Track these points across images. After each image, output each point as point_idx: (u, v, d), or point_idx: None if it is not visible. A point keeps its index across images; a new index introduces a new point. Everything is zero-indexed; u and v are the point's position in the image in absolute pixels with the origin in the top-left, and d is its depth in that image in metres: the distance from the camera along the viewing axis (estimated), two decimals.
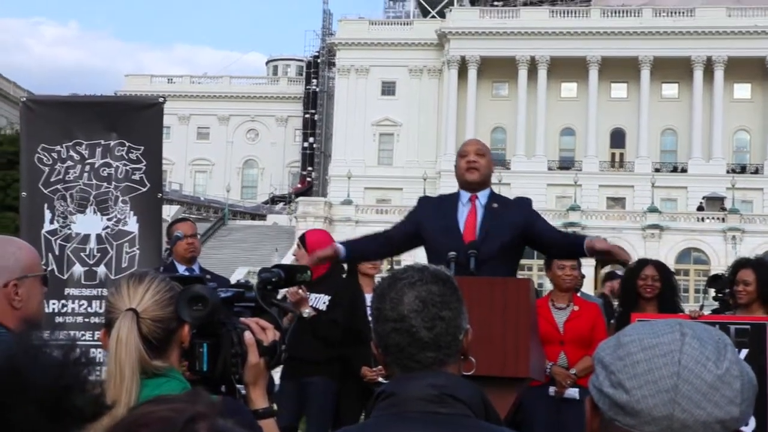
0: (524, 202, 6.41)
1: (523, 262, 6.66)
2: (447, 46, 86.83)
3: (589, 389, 1.72)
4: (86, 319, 7.00)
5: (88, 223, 7.12)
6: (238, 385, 2.96)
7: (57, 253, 7.04)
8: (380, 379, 7.47)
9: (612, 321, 8.33)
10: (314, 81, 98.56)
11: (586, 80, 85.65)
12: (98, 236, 7.10)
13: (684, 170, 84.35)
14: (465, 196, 6.27)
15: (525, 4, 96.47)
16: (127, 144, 7.13)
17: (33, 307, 3.32)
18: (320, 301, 7.86)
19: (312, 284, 6.90)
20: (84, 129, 7.16)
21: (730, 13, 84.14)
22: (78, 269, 7.07)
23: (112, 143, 7.13)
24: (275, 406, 3.00)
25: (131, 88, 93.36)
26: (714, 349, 1.64)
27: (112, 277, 6.99)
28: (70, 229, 7.11)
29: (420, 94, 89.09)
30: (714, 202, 76.67)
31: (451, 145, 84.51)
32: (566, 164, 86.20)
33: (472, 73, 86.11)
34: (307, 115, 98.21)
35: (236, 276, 45.68)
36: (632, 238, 70.85)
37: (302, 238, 8.23)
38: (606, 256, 5.98)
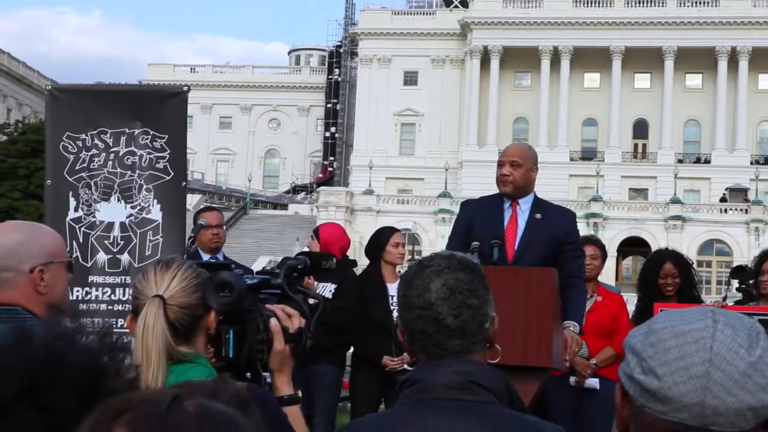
0: (568, 215, 6.44)
1: None
2: (469, 36, 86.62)
3: (619, 376, 1.71)
4: (110, 307, 7.03)
5: (112, 211, 7.14)
6: (263, 372, 2.97)
7: (81, 240, 7.06)
8: (406, 367, 7.49)
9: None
10: (336, 71, 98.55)
11: (609, 70, 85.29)
12: (122, 224, 7.13)
13: (707, 161, 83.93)
14: (506, 200, 6.28)
15: None
16: (152, 132, 7.14)
17: (58, 293, 3.33)
18: (326, 289, 7.97)
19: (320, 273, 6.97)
20: (109, 117, 7.18)
21: (755, 3, 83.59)
22: (102, 257, 7.10)
23: (137, 132, 7.15)
24: (300, 393, 3.01)
25: (154, 77, 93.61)
26: (746, 336, 1.63)
27: (136, 265, 7.02)
28: (94, 217, 7.13)
29: (442, 84, 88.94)
30: (737, 193, 76.28)
31: (473, 136, 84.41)
32: (588, 155, 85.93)
33: (494, 63, 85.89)
34: (329, 105, 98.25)
35: (258, 265, 45.81)
36: (654, 229, 70.65)
37: (316, 231, 8.43)
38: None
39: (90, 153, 7.17)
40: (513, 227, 6.14)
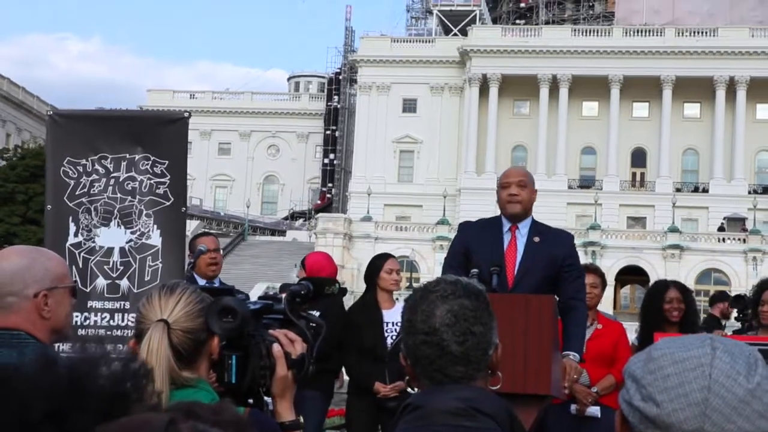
0: (566, 238, 6.44)
1: None
2: (468, 64, 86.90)
3: (619, 403, 1.72)
4: (108, 332, 7.01)
5: (112, 237, 7.14)
6: (265, 398, 2.97)
7: (81, 265, 7.06)
8: (411, 390, 7.49)
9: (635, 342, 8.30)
10: (335, 97, 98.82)
11: (607, 99, 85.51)
12: (122, 249, 7.13)
13: (705, 190, 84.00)
14: (506, 224, 6.28)
15: (547, 23, 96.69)
16: (152, 158, 7.15)
17: (62, 318, 3.34)
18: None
19: (323, 298, 6.98)
20: (109, 143, 7.19)
21: (753, 33, 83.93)
22: (101, 282, 7.09)
23: (137, 157, 7.16)
24: (302, 419, 3.01)
25: (153, 103, 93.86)
26: (745, 364, 1.64)
27: (135, 291, 7.02)
28: (94, 242, 7.13)
29: (441, 112, 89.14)
30: (735, 222, 76.29)
31: (471, 163, 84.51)
32: (587, 183, 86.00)
33: (493, 90, 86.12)
34: (328, 132, 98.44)
35: (255, 291, 45.73)
36: (652, 258, 70.60)
37: (303, 260, 8.51)
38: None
39: (90, 178, 7.18)
40: (512, 252, 6.14)
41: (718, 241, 72.53)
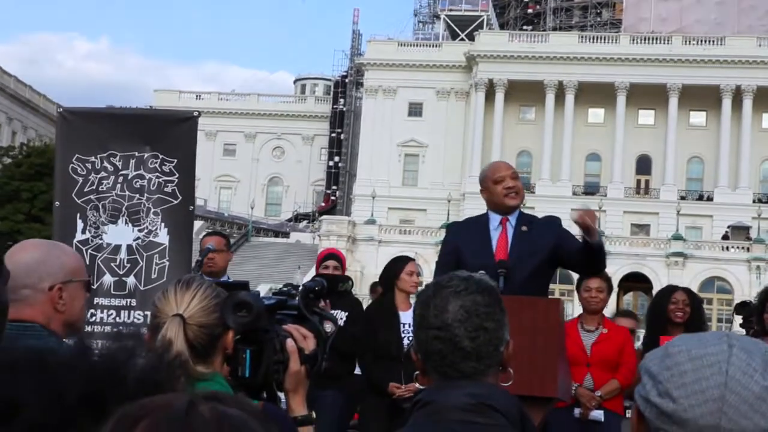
0: (553, 222, 6.36)
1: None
2: (475, 69, 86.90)
3: (635, 399, 1.74)
4: (114, 329, 7.03)
5: (120, 234, 7.17)
6: (279, 392, 2.99)
7: (88, 262, 7.07)
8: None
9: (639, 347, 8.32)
10: (341, 100, 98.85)
11: (613, 106, 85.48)
12: (129, 247, 7.15)
13: (710, 199, 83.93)
14: (495, 219, 6.24)
15: (554, 29, 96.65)
16: (161, 156, 7.18)
17: (76, 311, 3.36)
18: (338, 316, 7.98)
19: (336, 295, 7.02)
20: (119, 141, 7.21)
21: (760, 42, 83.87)
22: (108, 279, 7.12)
23: (146, 155, 7.19)
24: (314, 414, 3.03)
25: (160, 103, 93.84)
26: (761, 361, 1.66)
27: (141, 288, 7.05)
28: (101, 239, 7.15)
29: (447, 116, 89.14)
30: (739, 231, 76.24)
31: (476, 168, 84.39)
32: (591, 189, 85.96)
33: (499, 96, 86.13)
34: (333, 134, 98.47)
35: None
36: (656, 266, 70.59)
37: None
38: (583, 229, 5.68)
39: (99, 175, 7.21)
40: (504, 245, 6.11)
41: (722, 249, 72.54)
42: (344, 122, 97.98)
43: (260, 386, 2.95)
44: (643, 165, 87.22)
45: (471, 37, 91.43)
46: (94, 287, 7.03)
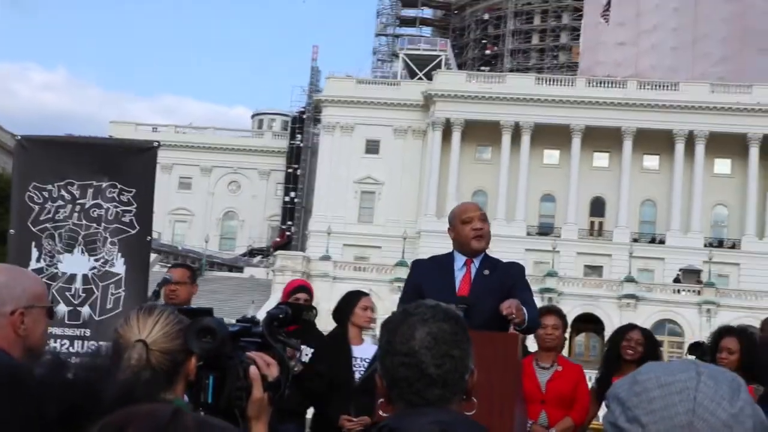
0: (516, 268, 6.39)
1: None
2: (432, 108, 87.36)
3: (604, 425, 1.75)
4: (67, 359, 6.95)
5: (75, 263, 7.11)
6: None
7: None
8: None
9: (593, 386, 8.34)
10: (299, 136, 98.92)
11: (568, 148, 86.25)
12: (84, 276, 7.09)
13: (662, 242, 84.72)
14: (461, 260, 6.24)
15: (511, 70, 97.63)
16: (119, 186, 7.14)
17: (37, 337, 3.33)
18: (302, 353, 7.93)
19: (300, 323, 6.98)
20: (76, 169, 7.17)
21: (713, 89, 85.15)
22: (62, 308, 7.04)
23: (104, 185, 7.14)
24: None
25: (116, 135, 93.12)
26: (728, 389, 1.68)
27: (96, 318, 6.99)
28: (56, 268, 7.09)
29: (403, 154, 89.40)
30: (690, 274, 77.01)
31: (431, 206, 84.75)
32: (545, 230, 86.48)
33: (456, 135, 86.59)
34: (289, 170, 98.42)
35: None
36: (608, 307, 71.07)
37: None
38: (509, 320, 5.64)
39: (56, 204, 7.15)
40: (466, 286, 6.11)
41: (673, 292, 73.28)
42: (301, 158, 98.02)
43: (223, 412, 2.94)
44: (597, 207, 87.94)
45: (429, 77, 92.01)
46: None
